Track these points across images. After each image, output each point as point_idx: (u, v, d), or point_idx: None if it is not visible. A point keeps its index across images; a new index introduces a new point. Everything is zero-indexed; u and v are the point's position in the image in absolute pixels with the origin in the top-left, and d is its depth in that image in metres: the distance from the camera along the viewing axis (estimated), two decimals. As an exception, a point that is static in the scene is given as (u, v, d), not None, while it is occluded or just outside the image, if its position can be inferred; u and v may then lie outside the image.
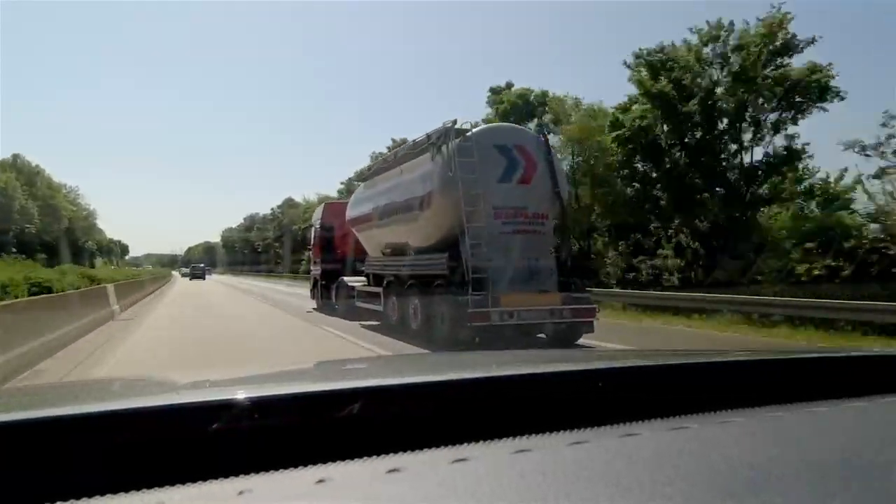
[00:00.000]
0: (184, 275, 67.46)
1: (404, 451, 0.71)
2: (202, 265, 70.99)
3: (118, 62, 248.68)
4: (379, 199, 12.09)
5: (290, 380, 1.30)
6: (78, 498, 0.60)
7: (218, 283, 47.23)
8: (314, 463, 0.67)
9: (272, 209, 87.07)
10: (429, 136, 9.95)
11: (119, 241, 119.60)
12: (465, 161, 9.05)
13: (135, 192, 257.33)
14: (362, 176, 14.89)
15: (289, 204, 77.75)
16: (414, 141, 10.91)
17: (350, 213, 14.07)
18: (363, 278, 13.54)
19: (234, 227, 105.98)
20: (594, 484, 0.59)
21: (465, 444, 0.74)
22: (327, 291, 16.47)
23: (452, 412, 0.87)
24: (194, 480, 0.63)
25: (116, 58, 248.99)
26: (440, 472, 0.65)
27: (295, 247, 63.63)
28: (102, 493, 0.61)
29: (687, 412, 0.90)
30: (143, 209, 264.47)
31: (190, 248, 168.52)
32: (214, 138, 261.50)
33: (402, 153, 11.74)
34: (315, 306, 17.75)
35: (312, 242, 18.82)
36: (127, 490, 0.61)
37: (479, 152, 9.14)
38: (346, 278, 14.77)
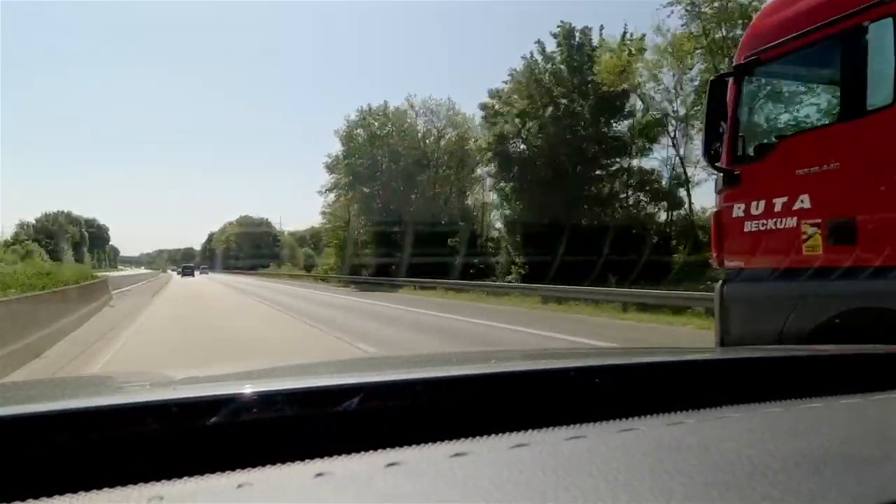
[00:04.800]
0: (178, 273, 79.89)
1: (403, 445, 0.72)
2: (192, 265, 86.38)
3: (115, 54, 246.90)
4: None
5: (289, 375, 1.31)
6: (75, 492, 0.60)
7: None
8: (313, 457, 0.68)
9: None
10: None
11: (96, 222, 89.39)
12: None
13: (142, 192, 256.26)
14: None
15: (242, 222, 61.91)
16: None
17: None
18: None
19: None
20: (593, 477, 0.60)
21: (464, 439, 0.74)
22: None
23: (451, 408, 0.87)
24: (193, 474, 0.63)
25: (114, 51, 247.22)
26: (439, 466, 0.66)
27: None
28: (100, 487, 0.61)
29: (684, 409, 0.91)
30: (150, 209, 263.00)
31: (212, 234, 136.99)
32: (224, 130, 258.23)
33: None
34: None
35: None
36: (125, 484, 0.62)
37: None
38: None
